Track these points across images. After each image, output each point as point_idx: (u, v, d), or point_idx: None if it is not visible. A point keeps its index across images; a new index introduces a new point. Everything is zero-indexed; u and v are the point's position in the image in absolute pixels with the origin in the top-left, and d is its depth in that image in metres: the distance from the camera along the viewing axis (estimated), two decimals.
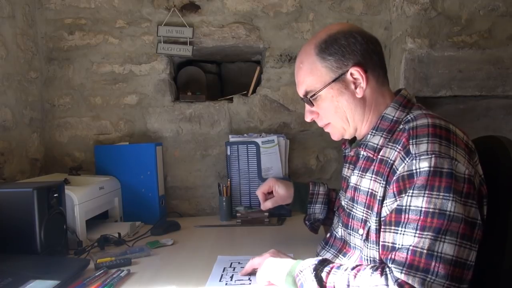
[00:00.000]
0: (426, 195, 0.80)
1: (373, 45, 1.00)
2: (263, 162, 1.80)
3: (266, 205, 1.33)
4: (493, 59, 1.68)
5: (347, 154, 1.16)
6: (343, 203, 1.09)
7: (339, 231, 1.09)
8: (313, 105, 1.03)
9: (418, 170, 0.82)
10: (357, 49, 0.97)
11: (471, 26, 1.70)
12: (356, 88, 0.98)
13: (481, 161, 0.95)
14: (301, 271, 0.91)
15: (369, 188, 0.95)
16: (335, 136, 1.08)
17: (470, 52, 1.69)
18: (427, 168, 0.81)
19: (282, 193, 1.32)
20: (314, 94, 1.01)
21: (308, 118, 1.09)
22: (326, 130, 1.09)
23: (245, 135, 1.86)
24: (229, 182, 1.79)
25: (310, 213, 1.34)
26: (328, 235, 1.16)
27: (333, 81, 0.98)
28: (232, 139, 1.83)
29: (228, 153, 1.81)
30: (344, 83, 0.99)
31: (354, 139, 1.12)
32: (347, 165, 1.12)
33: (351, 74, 0.97)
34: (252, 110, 1.92)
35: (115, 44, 1.89)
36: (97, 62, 1.90)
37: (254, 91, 1.95)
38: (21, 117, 1.73)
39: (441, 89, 1.69)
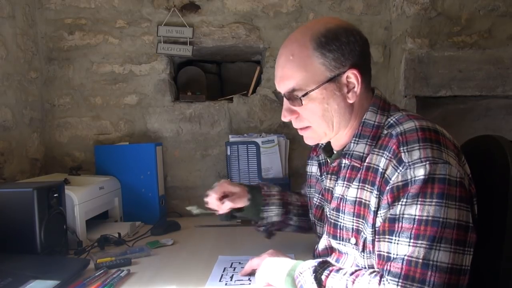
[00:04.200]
0: (419, 202, 0.78)
1: (368, 48, 0.94)
2: (263, 162, 1.80)
3: (225, 206, 1.17)
4: (493, 59, 1.68)
5: (321, 162, 1.10)
6: (328, 214, 1.03)
7: (324, 242, 1.04)
8: (301, 104, 0.92)
9: (413, 179, 0.79)
10: (356, 49, 0.90)
11: (471, 26, 1.71)
12: (348, 92, 0.91)
13: (478, 161, 0.95)
14: (301, 273, 0.90)
15: (356, 197, 0.91)
16: (312, 141, 1.00)
17: (470, 52, 1.69)
18: (422, 177, 0.79)
19: (238, 191, 1.20)
20: (306, 93, 0.91)
21: (286, 118, 0.97)
22: (302, 133, 0.99)
23: (245, 135, 1.86)
24: None
25: (265, 216, 1.22)
26: (315, 247, 1.11)
27: (328, 81, 0.90)
28: (232, 139, 1.83)
29: (228, 153, 1.81)
30: (338, 85, 0.91)
31: (328, 147, 1.06)
32: (329, 176, 1.04)
33: (347, 76, 0.90)
34: (252, 110, 1.92)
35: (115, 44, 1.89)
36: (97, 62, 1.90)
37: (254, 91, 1.95)
38: (21, 117, 1.73)
39: (441, 89, 1.69)
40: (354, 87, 0.91)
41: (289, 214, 1.25)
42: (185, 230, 1.63)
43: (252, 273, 1.06)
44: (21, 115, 1.73)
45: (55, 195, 1.26)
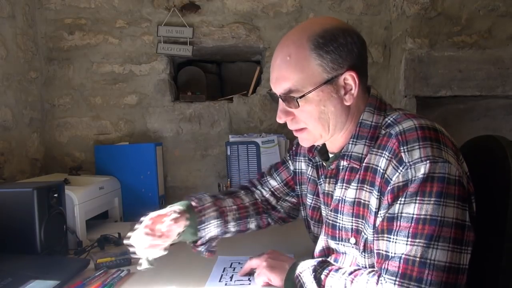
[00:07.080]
0: (417, 201, 0.78)
1: (365, 49, 0.92)
2: (263, 162, 1.79)
3: (173, 232, 1.00)
4: (493, 59, 1.68)
5: (318, 165, 1.08)
6: (325, 214, 1.02)
7: (321, 243, 1.02)
8: (298, 105, 0.89)
9: (413, 178, 0.79)
10: (354, 51, 0.88)
11: (471, 26, 1.71)
12: (345, 94, 0.89)
13: (479, 161, 0.95)
14: (301, 272, 0.90)
15: (355, 198, 0.90)
16: (307, 143, 0.97)
17: (470, 52, 1.69)
18: (421, 175, 0.78)
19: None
20: (303, 95, 0.88)
21: (281, 120, 0.94)
22: (297, 134, 0.96)
23: (245, 135, 1.86)
24: (229, 182, 1.79)
25: (204, 235, 1.07)
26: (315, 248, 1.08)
27: (325, 82, 0.87)
28: (232, 139, 1.83)
29: (228, 153, 1.81)
30: (335, 87, 0.88)
31: (323, 150, 1.04)
32: (327, 179, 1.00)
33: (344, 78, 0.88)
34: (252, 110, 1.92)
35: (115, 44, 1.90)
36: (97, 62, 1.90)
37: (254, 91, 1.95)
38: (21, 117, 1.73)
39: (441, 89, 1.69)
40: (351, 89, 0.89)
41: (227, 223, 1.12)
42: None
43: (251, 273, 1.06)
44: (21, 115, 1.73)
45: (55, 195, 1.26)
